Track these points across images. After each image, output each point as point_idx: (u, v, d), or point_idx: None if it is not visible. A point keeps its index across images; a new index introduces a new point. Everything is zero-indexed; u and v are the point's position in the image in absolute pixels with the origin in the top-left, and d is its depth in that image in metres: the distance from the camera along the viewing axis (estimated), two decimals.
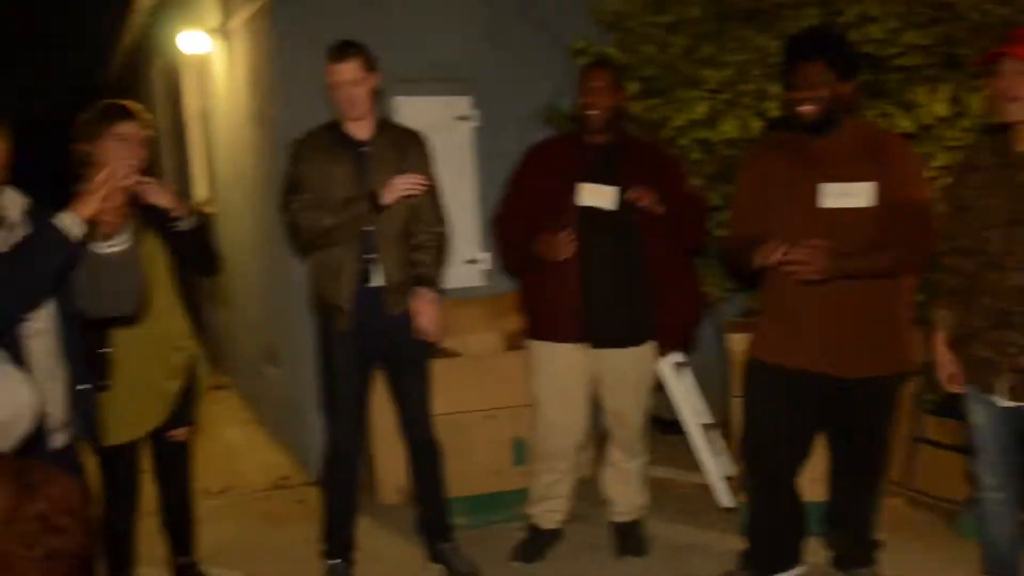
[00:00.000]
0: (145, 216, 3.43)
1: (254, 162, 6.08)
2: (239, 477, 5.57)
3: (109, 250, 2.68)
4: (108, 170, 2.61)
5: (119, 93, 14.99)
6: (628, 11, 5.11)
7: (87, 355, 2.93)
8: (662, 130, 4.87)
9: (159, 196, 3.35)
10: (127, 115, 3.41)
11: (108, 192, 2.56)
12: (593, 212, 3.94)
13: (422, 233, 3.94)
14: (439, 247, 4.00)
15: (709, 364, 5.38)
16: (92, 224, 2.63)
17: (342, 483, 4.02)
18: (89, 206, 2.55)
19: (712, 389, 5.15)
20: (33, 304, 2.55)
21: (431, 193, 3.96)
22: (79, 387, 2.76)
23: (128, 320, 3.26)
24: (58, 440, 2.69)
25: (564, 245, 3.86)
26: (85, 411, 2.78)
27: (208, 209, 7.94)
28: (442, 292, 4.08)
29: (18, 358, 2.52)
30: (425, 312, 3.87)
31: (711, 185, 4.85)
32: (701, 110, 4.72)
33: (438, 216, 4.00)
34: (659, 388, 4.80)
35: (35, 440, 2.51)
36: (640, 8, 5.05)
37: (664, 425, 5.44)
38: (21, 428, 1.92)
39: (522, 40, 5.60)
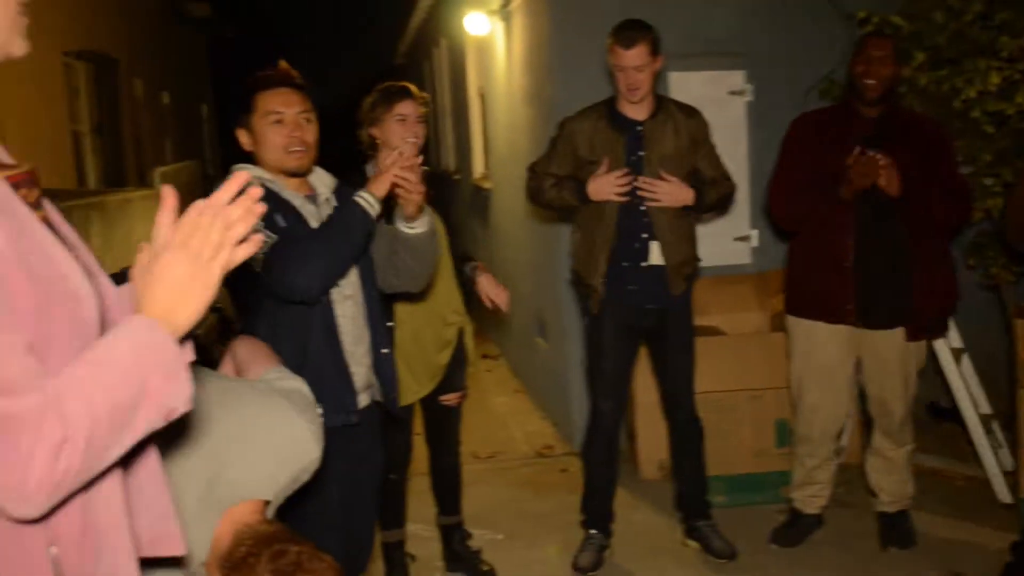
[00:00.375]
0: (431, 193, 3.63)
1: (529, 140, 6.24)
2: (506, 444, 5.78)
3: (411, 231, 2.88)
4: (396, 153, 2.82)
5: (405, 75, 15.79)
6: None
7: None
8: (951, 102, 4.57)
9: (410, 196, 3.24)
10: (406, 95, 3.60)
11: (398, 172, 2.75)
12: (872, 187, 3.76)
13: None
14: (723, 194, 3.99)
15: (995, 351, 5.02)
16: (395, 205, 2.83)
17: (603, 456, 4.09)
18: (382, 186, 2.75)
19: (997, 378, 4.81)
20: (340, 273, 2.76)
21: (713, 160, 3.95)
22: (383, 351, 2.96)
23: (412, 295, 3.47)
24: (362, 400, 2.90)
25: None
26: (387, 374, 2.98)
27: (484, 184, 8.25)
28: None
29: (329, 321, 2.76)
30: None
31: (1003, 160, 4.51)
32: (995, 80, 4.40)
33: (725, 175, 3.99)
34: (937, 373, 4.55)
35: (343, 400, 2.73)
36: None
37: (939, 412, 5.15)
38: (303, 479, 2.10)
39: (800, 10, 5.41)
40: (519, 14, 6.30)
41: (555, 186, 3.87)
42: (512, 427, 6.13)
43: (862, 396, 4.26)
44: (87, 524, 1.26)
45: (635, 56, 3.69)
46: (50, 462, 1.11)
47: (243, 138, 2.80)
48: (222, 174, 14.87)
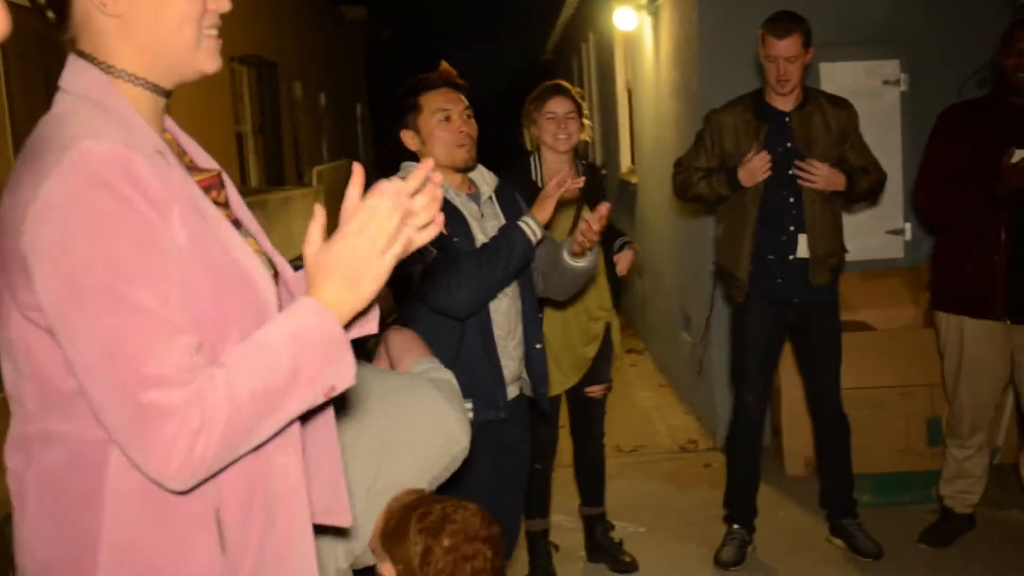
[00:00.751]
0: (588, 184, 3.72)
1: (676, 133, 6.23)
2: (649, 438, 5.79)
3: (574, 264, 2.99)
4: (558, 178, 2.88)
5: (554, 71, 15.86)
6: None
7: None
8: None
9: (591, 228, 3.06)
10: (557, 92, 3.68)
11: (560, 196, 2.86)
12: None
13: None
14: (874, 182, 3.92)
15: None
16: (567, 234, 2.92)
17: (747, 451, 4.07)
18: (546, 211, 2.85)
19: None
20: (492, 296, 2.84)
21: (861, 149, 3.90)
22: (536, 346, 3.05)
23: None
24: (511, 392, 2.98)
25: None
26: (538, 369, 3.07)
27: (631, 179, 8.27)
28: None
29: (484, 318, 2.85)
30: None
31: None
32: None
33: (875, 163, 3.93)
34: None
35: (493, 396, 2.83)
36: None
37: None
38: (453, 468, 2.22)
39: None
40: (667, 8, 6.29)
41: (704, 179, 3.86)
42: (656, 421, 6.14)
43: (1019, 398, 4.11)
44: (255, 490, 1.36)
45: (788, 46, 3.67)
46: (187, 450, 1.21)
47: (408, 139, 2.90)
48: (375, 172, 15.32)
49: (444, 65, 2.90)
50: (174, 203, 1.28)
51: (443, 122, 2.84)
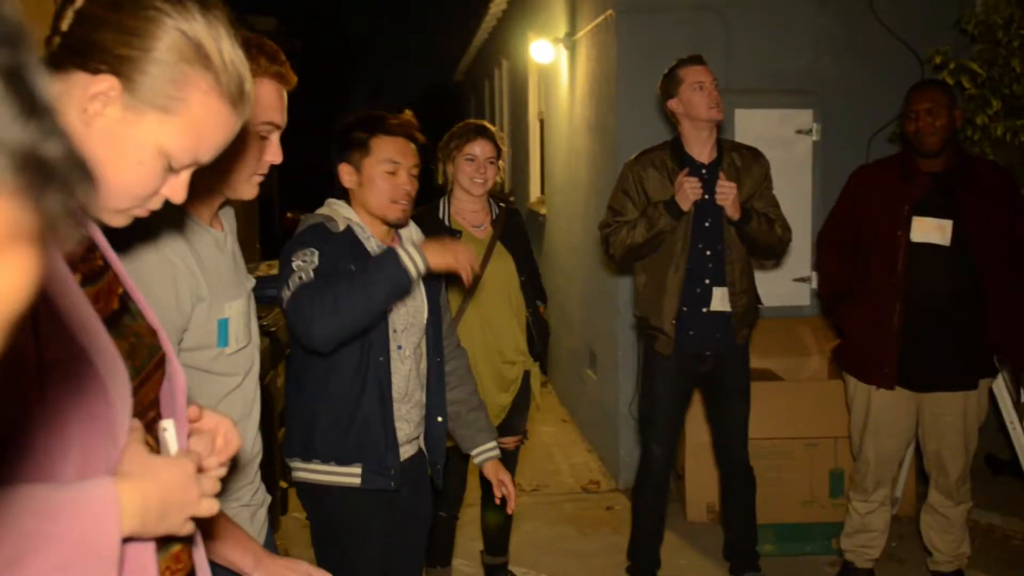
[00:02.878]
0: (505, 227, 3.62)
1: (589, 169, 6.19)
2: (551, 477, 5.70)
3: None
4: (465, 258, 2.56)
5: (465, 92, 15.70)
6: (998, 22, 4.70)
7: None
8: None
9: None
10: (479, 135, 3.58)
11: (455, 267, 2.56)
12: (925, 248, 3.70)
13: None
14: (780, 238, 3.83)
15: None
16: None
17: (652, 503, 4.01)
18: (441, 261, 2.52)
19: None
20: (357, 329, 2.52)
21: (768, 199, 3.86)
22: (439, 419, 2.88)
23: (472, 330, 3.52)
24: (407, 451, 2.76)
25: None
26: (437, 441, 2.88)
27: (540, 209, 8.21)
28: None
29: (383, 379, 2.63)
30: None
31: None
32: None
33: (783, 224, 3.86)
34: (999, 428, 4.41)
35: (384, 463, 2.66)
36: (1018, 19, 4.62)
37: (998, 465, 5.00)
38: None
39: (872, 50, 5.32)
40: (585, 44, 6.26)
41: (641, 221, 3.73)
42: (558, 459, 6.06)
43: (919, 450, 4.14)
44: None
45: (705, 71, 3.69)
46: None
47: (345, 174, 2.67)
48: (280, 186, 15.00)
49: (407, 114, 2.70)
50: None
51: (388, 175, 2.63)
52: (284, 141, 1.99)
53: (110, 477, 1.13)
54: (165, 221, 1.74)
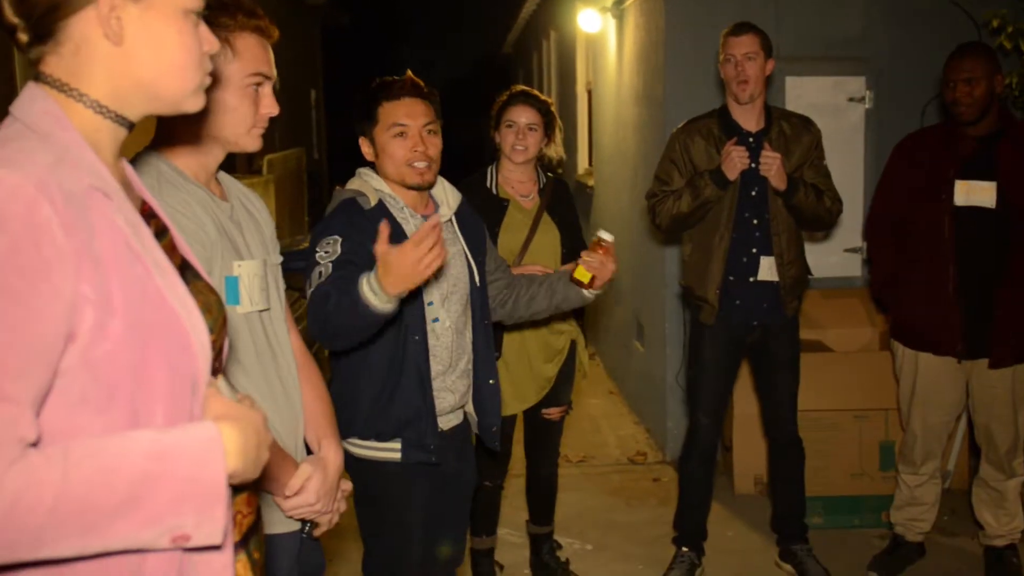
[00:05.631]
0: (551, 198, 3.60)
1: (636, 139, 6.14)
2: (598, 448, 5.69)
3: (592, 295, 2.82)
4: (417, 256, 2.15)
5: (514, 65, 15.62)
6: None
7: None
8: None
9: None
10: (518, 101, 3.56)
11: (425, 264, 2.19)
12: (972, 211, 3.63)
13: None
14: (828, 209, 3.76)
15: None
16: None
17: (699, 473, 3.98)
18: (398, 286, 2.19)
19: None
20: (345, 340, 2.41)
21: (819, 169, 3.79)
22: (490, 381, 2.84)
23: None
24: (451, 420, 2.77)
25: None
26: (490, 403, 2.84)
27: (587, 181, 8.17)
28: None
29: (421, 355, 2.59)
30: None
31: None
32: None
33: (833, 195, 3.79)
34: None
35: (425, 433, 2.63)
36: None
37: None
38: None
39: (926, 14, 5.19)
40: (633, 13, 6.19)
41: (687, 190, 3.69)
42: (605, 430, 6.05)
43: (971, 422, 4.08)
44: None
45: (745, 43, 3.62)
46: None
47: (365, 148, 2.67)
48: (329, 160, 15.09)
49: (408, 74, 2.67)
50: (84, 256, 1.14)
51: (398, 137, 2.60)
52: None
53: (209, 421, 1.21)
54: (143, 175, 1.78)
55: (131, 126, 1.32)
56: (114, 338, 1.15)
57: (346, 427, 2.56)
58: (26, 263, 1.09)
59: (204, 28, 1.32)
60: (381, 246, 2.17)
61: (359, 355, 2.57)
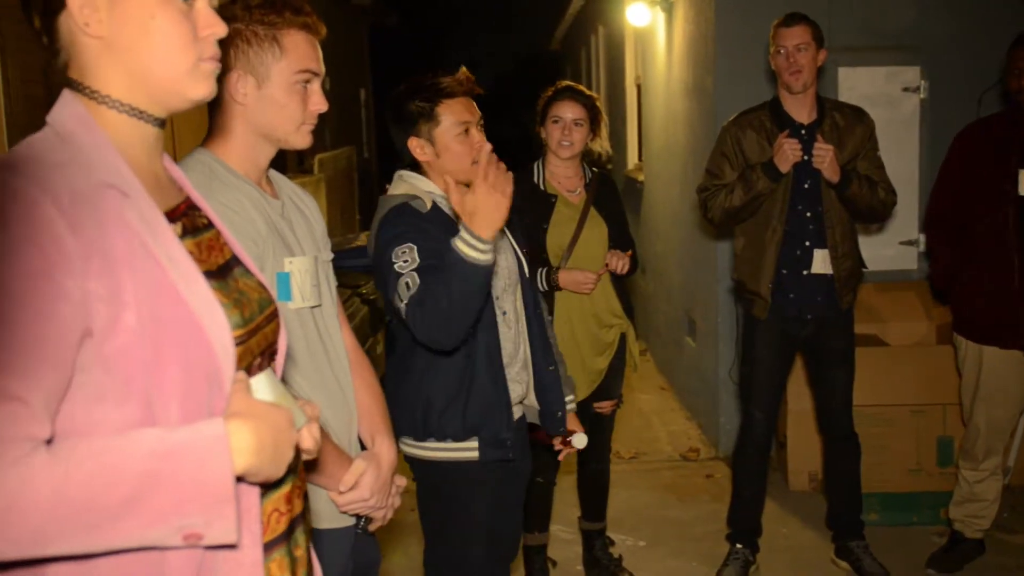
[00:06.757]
0: (597, 192, 3.58)
1: (687, 133, 6.09)
2: (650, 444, 5.66)
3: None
4: (491, 178, 2.25)
5: (562, 61, 15.61)
6: None
7: None
8: None
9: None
10: (564, 96, 3.55)
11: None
12: None
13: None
14: (882, 201, 3.71)
15: None
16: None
17: (753, 468, 3.94)
18: (493, 217, 2.25)
19: None
20: (460, 324, 2.37)
21: (873, 161, 3.74)
22: (550, 368, 2.85)
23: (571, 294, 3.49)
24: (514, 413, 2.75)
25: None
26: (553, 390, 2.85)
27: (637, 176, 8.13)
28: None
29: (492, 349, 2.61)
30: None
31: None
32: None
33: (887, 187, 3.74)
34: None
35: (501, 429, 2.64)
36: None
37: None
38: None
39: (982, 3, 5.09)
40: (682, 5, 6.15)
41: (739, 184, 3.65)
42: (657, 427, 6.02)
43: None
44: None
45: (797, 33, 3.58)
46: None
47: (417, 148, 2.58)
48: (378, 158, 15.17)
49: (464, 71, 2.63)
50: (93, 253, 1.14)
51: (462, 135, 2.56)
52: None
53: (220, 418, 1.19)
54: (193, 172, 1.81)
55: (160, 123, 1.32)
56: (127, 332, 1.16)
57: (418, 431, 2.58)
58: (29, 264, 1.10)
59: (205, 12, 1.31)
60: (455, 196, 2.25)
61: (428, 361, 2.55)
